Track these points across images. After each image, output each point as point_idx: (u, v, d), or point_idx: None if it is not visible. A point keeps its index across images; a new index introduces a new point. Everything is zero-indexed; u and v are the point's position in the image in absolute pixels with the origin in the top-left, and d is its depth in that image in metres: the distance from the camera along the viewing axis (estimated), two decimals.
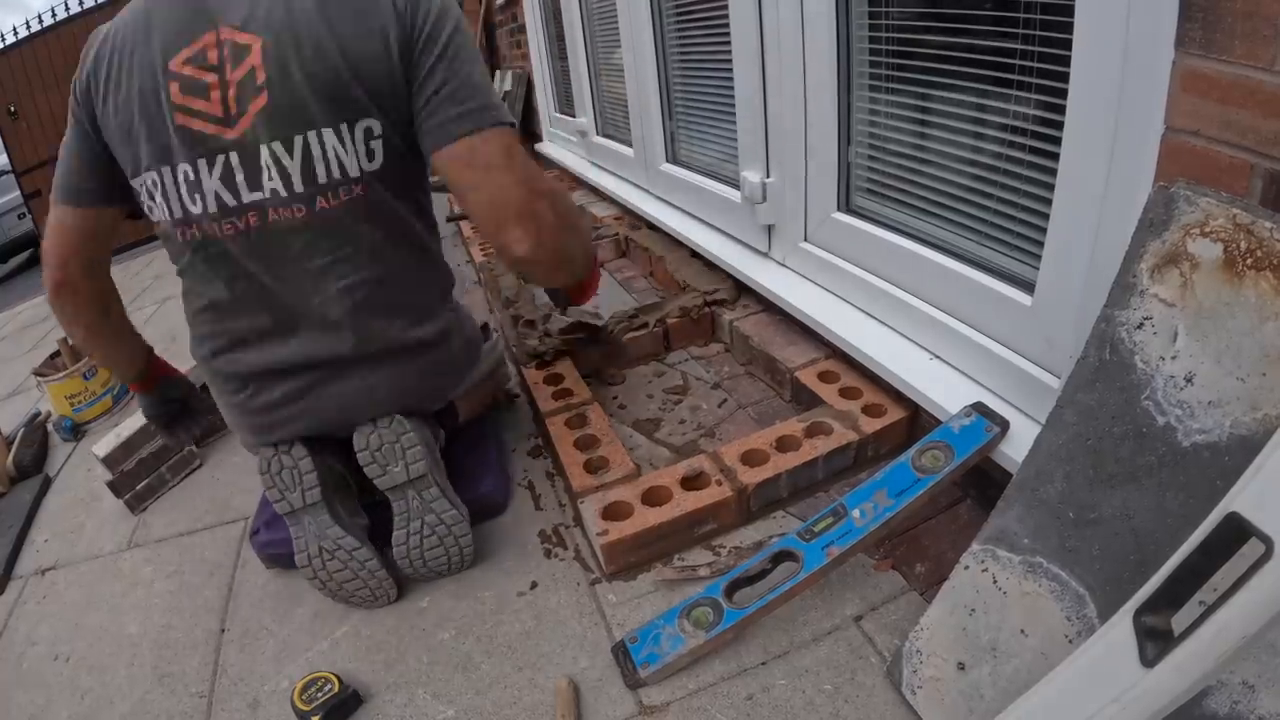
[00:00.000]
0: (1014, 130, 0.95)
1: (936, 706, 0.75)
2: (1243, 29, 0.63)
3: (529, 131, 3.46)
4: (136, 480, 1.41)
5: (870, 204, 1.27)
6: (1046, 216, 0.88)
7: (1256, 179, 0.65)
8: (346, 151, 0.89)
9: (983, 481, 1.01)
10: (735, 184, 1.58)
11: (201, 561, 1.22)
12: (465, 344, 1.15)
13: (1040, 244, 0.90)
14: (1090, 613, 0.66)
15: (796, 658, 0.86)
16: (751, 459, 1.09)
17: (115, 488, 1.39)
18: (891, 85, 1.15)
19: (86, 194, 0.97)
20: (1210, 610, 0.47)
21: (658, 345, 1.59)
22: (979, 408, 0.96)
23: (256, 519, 1.19)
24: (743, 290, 1.61)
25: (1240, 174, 0.66)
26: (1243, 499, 0.48)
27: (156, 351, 1.22)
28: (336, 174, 0.90)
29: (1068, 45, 0.79)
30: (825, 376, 1.27)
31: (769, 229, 1.51)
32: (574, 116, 2.81)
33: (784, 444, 1.12)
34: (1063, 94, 0.81)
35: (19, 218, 5.95)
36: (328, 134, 0.88)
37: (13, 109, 4.70)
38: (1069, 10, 0.78)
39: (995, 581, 0.74)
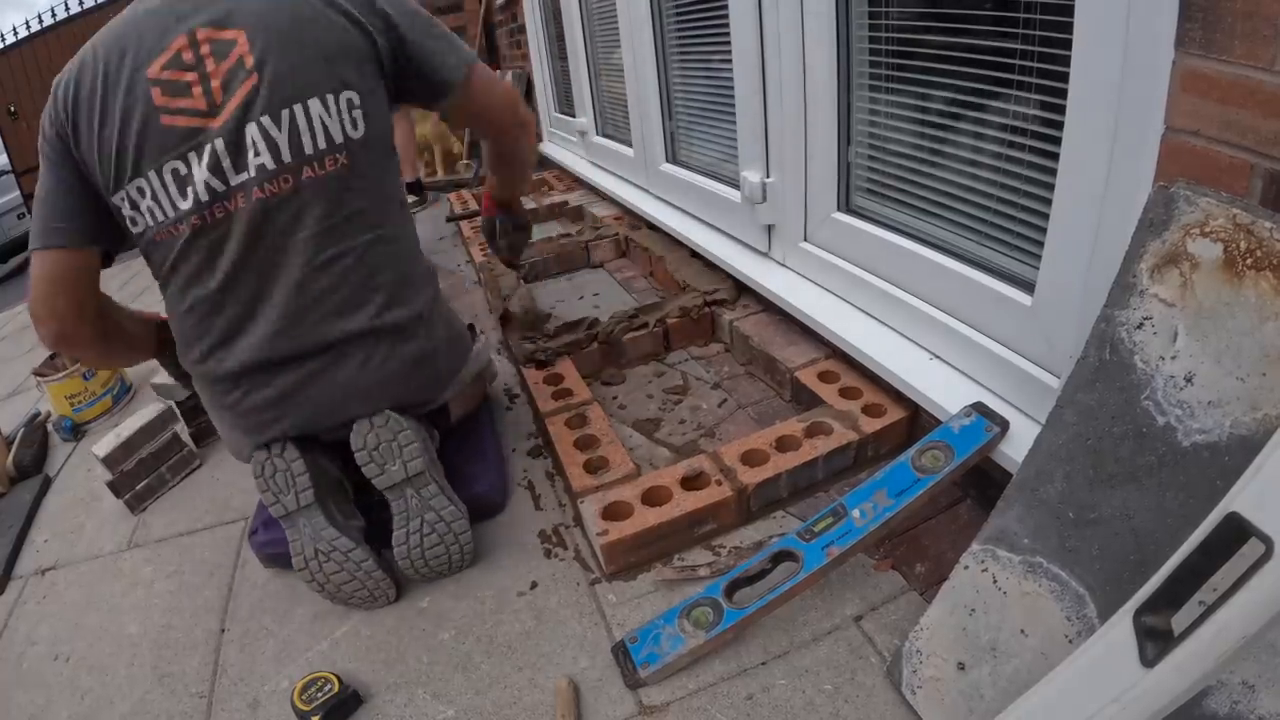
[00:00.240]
0: (1014, 130, 0.95)
1: (936, 706, 0.75)
2: (1243, 29, 0.63)
3: None
4: (136, 480, 1.41)
5: (870, 204, 1.27)
6: (1046, 216, 0.88)
7: (1256, 179, 0.65)
8: (331, 117, 0.95)
9: (983, 481, 1.01)
10: (735, 184, 1.58)
11: (201, 561, 1.22)
12: (450, 338, 1.16)
13: (1040, 244, 0.91)
14: (1090, 613, 0.66)
15: (796, 658, 0.86)
16: (751, 459, 1.09)
17: (115, 488, 1.39)
18: (891, 85, 1.15)
19: (75, 234, 0.97)
20: (1210, 610, 0.47)
21: (658, 345, 1.59)
22: (979, 408, 0.96)
23: (255, 519, 1.19)
24: (743, 290, 1.61)
25: (1240, 174, 0.66)
26: (1243, 499, 0.48)
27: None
28: (323, 143, 0.95)
29: (1068, 45, 0.79)
30: (825, 376, 1.27)
31: (769, 229, 1.51)
32: (574, 116, 2.81)
33: (784, 444, 1.12)
34: (1063, 94, 0.81)
35: (19, 218, 5.96)
36: (314, 104, 0.94)
37: (13, 109, 4.70)
38: (1069, 10, 0.78)
39: (995, 581, 0.74)
